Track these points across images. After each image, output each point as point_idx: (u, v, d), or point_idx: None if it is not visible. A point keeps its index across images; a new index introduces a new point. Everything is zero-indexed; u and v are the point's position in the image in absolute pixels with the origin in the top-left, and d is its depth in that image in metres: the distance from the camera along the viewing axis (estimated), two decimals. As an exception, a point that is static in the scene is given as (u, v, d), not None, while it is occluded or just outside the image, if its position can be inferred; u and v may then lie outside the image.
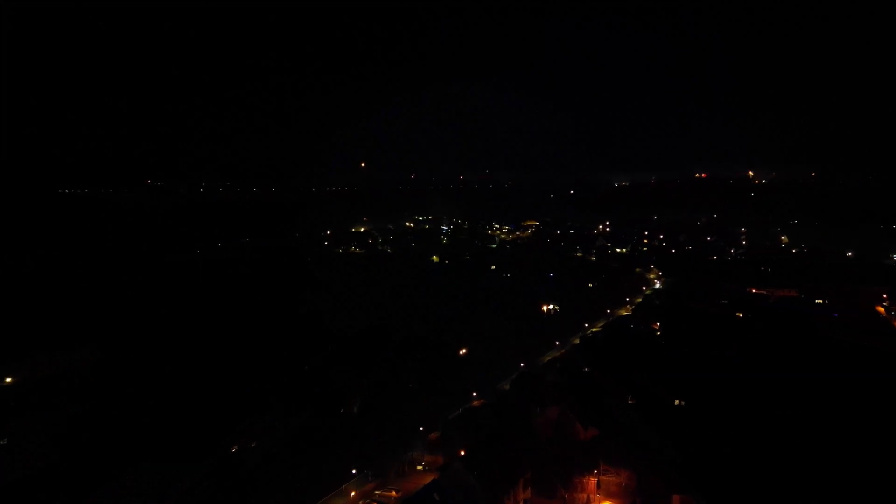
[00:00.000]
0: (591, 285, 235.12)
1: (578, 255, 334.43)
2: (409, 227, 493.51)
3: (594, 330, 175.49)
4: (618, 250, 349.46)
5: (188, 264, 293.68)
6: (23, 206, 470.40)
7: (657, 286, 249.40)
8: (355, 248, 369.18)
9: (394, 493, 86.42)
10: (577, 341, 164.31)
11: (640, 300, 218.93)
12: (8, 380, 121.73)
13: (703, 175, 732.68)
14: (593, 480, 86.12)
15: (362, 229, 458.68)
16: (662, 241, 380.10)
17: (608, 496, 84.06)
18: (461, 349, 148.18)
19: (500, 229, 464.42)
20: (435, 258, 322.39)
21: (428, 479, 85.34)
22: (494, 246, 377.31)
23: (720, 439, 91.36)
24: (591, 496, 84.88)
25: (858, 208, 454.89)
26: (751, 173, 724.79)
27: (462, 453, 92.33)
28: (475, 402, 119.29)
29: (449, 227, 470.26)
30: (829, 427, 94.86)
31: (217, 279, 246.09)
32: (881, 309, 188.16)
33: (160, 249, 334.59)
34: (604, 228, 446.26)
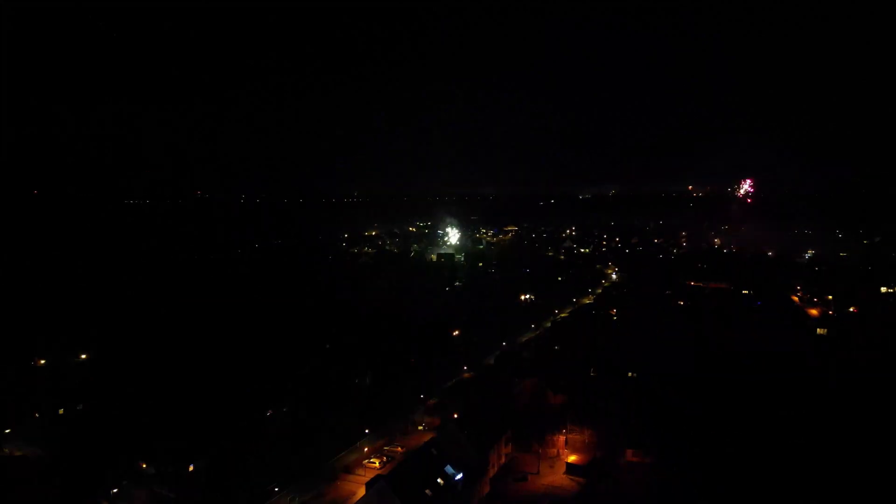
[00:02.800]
0: (560, 279, 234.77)
1: (550, 254, 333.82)
2: (412, 231, 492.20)
3: (563, 315, 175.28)
4: (582, 250, 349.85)
5: (234, 262, 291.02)
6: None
7: (614, 279, 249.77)
8: (367, 248, 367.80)
9: (399, 448, 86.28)
10: (549, 324, 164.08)
11: (600, 291, 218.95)
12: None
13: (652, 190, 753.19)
14: (562, 438, 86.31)
15: (373, 233, 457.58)
16: (618, 242, 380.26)
17: (574, 451, 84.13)
18: (454, 331, 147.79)
19: (486, 233, 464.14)
20: (433, 257, 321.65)
21: (427, 437, 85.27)
22: (482, 247, 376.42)
23: (665, 403, 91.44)
24: (560, 450, 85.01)
25: (776, 215, 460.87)
26: (690, 188, 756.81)
27: (455, 416, 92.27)
28: (465, 375, 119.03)
29: (445, 231, 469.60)
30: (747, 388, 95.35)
31: (259, 274, 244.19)
32: (796, 298, 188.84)
33: (206, 250, 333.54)
34: (570, 232, 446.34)
